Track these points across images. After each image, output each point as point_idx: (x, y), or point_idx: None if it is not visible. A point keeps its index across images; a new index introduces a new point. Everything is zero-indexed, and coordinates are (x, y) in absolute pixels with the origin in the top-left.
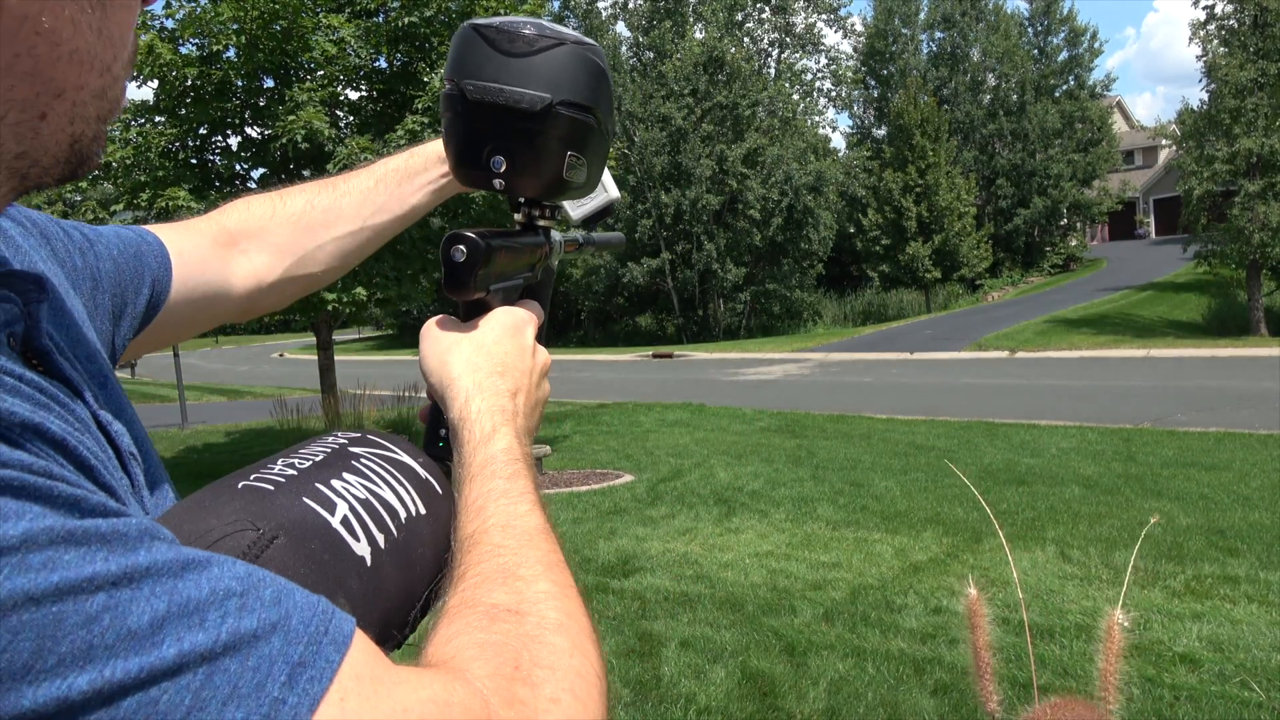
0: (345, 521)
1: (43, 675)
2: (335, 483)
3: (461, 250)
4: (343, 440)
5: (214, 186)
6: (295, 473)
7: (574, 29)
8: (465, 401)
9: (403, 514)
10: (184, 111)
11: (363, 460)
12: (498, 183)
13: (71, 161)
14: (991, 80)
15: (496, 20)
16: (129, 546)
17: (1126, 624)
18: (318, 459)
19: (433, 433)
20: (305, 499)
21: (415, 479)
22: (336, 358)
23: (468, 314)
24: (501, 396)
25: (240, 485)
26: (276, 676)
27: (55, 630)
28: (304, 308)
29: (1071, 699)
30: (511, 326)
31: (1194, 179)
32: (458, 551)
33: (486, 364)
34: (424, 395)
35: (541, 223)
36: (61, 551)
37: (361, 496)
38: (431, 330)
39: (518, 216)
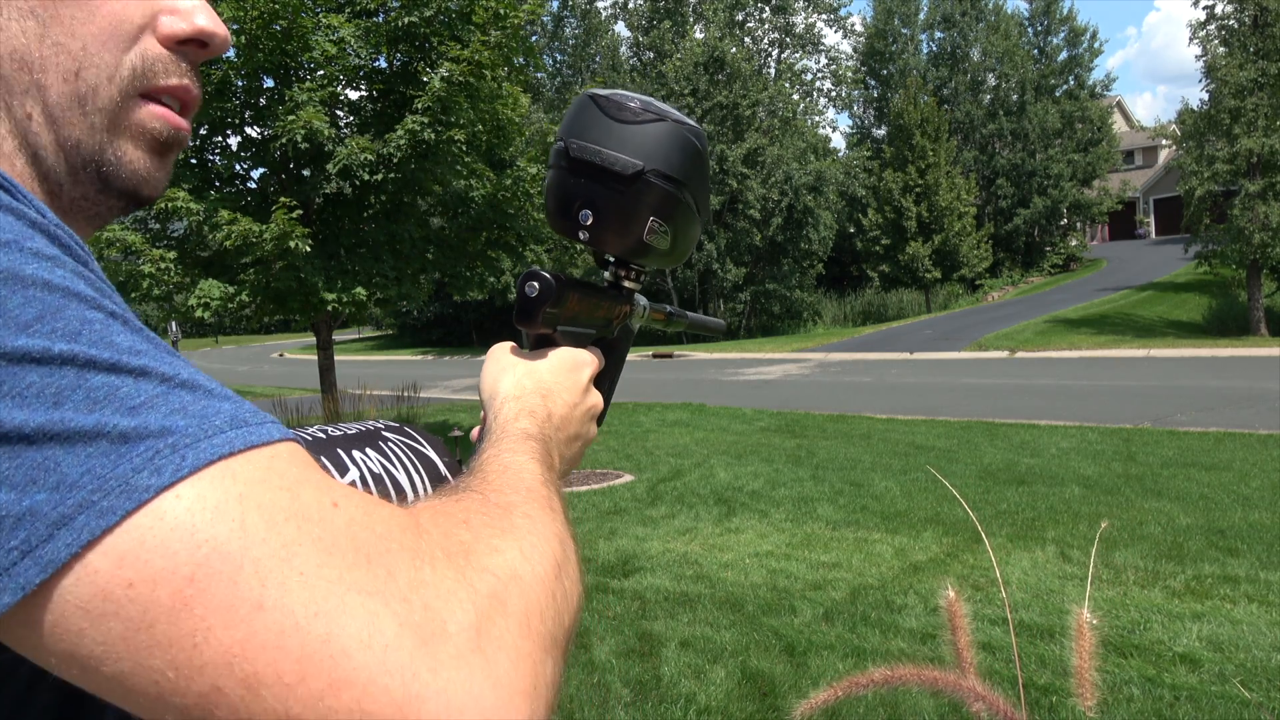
0: (351, 485)
1: None
2: (355, 453)
3: (534, 286)
4: (380, 425)
5: (214, 186)
6: (324, 437)
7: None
8: (500, 404)
9: (410, 496)
10: None
11: (390, 443)
12: (583, 235)
13: (89, 171)
14: (991, 80)
15: (611, 91)
16: None
17: (1095, 622)
18: (350, 432)
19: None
20: (321, 457)
21: (435, 473)
22: (336, 358)
23: (534, 347)
24: (537, 407)
25: None
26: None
27: None
28: (304, 308)
29: (922, 666)
30: (570, 363)
31: (1194, 179)
32: None
33: (532, 385)
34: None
35: (627, 284)
36: None
37: (376, 471)
38: (496, 351)
39: (606, 274)
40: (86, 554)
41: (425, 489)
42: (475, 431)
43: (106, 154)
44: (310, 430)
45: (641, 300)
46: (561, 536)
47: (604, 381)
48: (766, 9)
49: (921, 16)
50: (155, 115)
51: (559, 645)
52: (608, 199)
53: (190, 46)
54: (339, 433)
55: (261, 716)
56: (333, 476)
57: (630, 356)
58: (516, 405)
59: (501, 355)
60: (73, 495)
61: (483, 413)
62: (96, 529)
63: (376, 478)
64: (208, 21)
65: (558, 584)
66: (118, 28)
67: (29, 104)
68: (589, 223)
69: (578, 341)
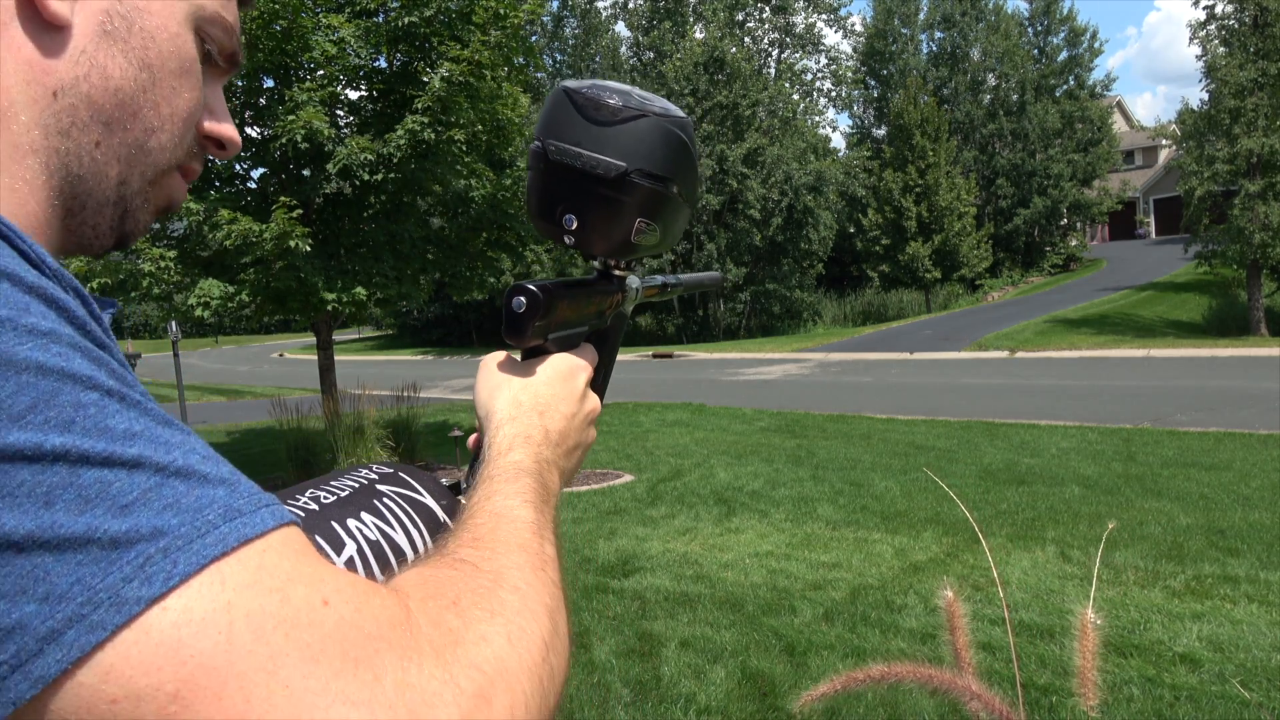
0: (350, 562)
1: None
2: (351, 522)
3: (521, 301)
4: (374, 476)
5: (214, 186)
6: (316, 508)
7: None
8: (496, 428)
9: (410, 556)
10: None
11: (384, 500)
12: (568, 239)
13: (118, 211)
14: (991, 80)
15: (587, 86)
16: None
17: (1099, 622)
18: (343, 494)
19: (476, 460)
20: (317, 536)
21: (434, 522)
22: (336, 357)
23: (526, 357)
24: (533, 428)
25: None
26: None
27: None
28: (304, 308)
29: (915, 663)
30: (565, 372)
31: (1194, 179)
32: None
33: (529, 401)
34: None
35: (617, 272)
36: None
37: (373, 538)
38: (488, 366)
39: (595, 264)
40: (74, 670)
41: (425, 542)
42: (473, 440)
43: (137, 201)
44: (305, 497)
45: (633, 283)
46: (551, 605)
47: (599, 372)
48: (766, 9)
49: (921, 16)
50: (180, 186)
51: None
52: (591, 202)
53: (210, 143)
54: (332, 498)
55: None
56: (329, 554)
57: (630, 356)
58: (511, 430)
59: (493, 370)
60: (62, 608)
61: (478, 428)
62: (86, 645)
63: (374, 545)
64: (234, 133)
65: (544, 666)
66: (193, 113)
67: (103, 134)
68: (573, 227)
69: (571, 342)
